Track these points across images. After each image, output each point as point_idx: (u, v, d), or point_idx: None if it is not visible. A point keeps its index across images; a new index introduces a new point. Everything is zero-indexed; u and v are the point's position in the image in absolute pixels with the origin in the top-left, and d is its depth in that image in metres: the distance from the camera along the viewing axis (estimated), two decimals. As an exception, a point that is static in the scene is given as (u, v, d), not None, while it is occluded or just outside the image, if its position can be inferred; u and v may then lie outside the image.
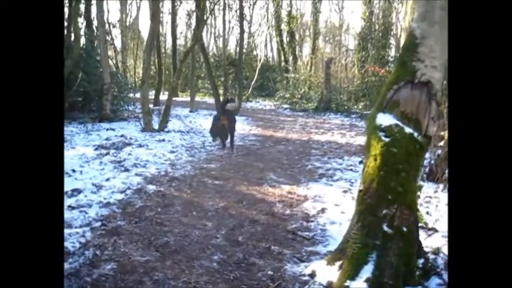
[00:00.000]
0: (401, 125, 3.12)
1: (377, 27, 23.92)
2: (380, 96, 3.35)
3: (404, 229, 3.01)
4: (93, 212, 4.71)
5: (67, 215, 4.54)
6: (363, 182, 3.19)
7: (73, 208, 4.79)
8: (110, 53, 27.62)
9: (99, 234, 4.12)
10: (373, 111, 3.33)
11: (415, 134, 3.11)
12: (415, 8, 3.31)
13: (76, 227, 4.25)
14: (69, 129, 11.12)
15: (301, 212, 5.02)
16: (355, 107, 20.25)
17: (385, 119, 3.17)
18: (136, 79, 29.65)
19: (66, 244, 3.78)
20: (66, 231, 4.09)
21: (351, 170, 7.39)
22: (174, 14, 24.97)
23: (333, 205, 5.25)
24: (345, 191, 5.88)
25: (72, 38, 11.16)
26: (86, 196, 5.24)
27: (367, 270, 2.95)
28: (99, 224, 4.37)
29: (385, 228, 2.99)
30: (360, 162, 7.59)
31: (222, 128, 9.18)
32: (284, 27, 29.52)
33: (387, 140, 3.07)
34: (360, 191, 3.18)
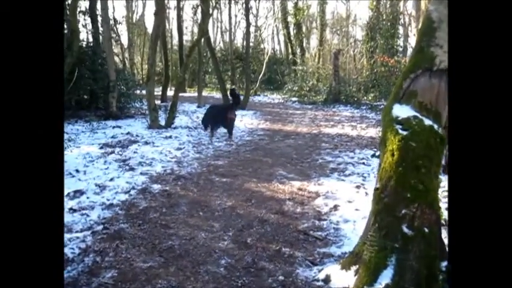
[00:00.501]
0: (420, 116, 2.87)
1: (385, 16, 23.51)
2: (396, 86, 3.11)
3: (426, 230, 2.77)
4: (95, 214, 4.52)
5: (68, 218, 4.35)
6: (379, 180, 2.94)
7: (74, 211, 4.60)
8: (117, 50, 27.56)
9: (100, 238, 3.92)
10: (389, 102, 3.09)
11: (435, 126, 2.86)
12: (432, -11, 3.06)
13: (77, 231, 4.06)
14: (75, 128, 10.99)
15: (312, 210, 4.78)
16: (365, 98, 19.93)
17: (402, 111, 2.92)
18: (144, 76, 29.49)
19: (65, 250, 3.60)
20: (66, 236, 3.90)
21: (363, 163, 7.13)
22: (179, 9, 24.73)
23: (345, 202, 5.01)
24: (357, 186, 5.64)
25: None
26: (88, 198, 5.04)
27: (386, 275, 2.72)
28: (101, 227, 4.17)
29: (405, 229, 2.75)
30: (373, 155, 7.34)
31: (231, 121, 9.85)
32: (291, 19, 29.20)
33: (405, 133, 2.82)
34: (377, 189, 2.94)
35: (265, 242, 3.90)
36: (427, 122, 2.86)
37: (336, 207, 4.82)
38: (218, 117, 9.91)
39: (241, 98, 11.46)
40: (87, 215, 4.49)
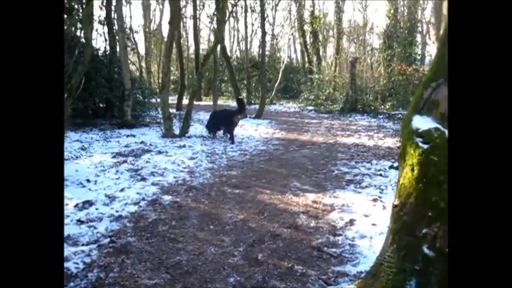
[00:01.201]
0: (442, 128, 2.67)
1: (402, 24, 23.25)
2: (415, 96, 2.91)
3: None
4: (102, 226, 4.40)
5: (75, 230, 4.25)
6: (398, 196, 2.75)
7: (82, 222, 4.49)
8: (134, 58, 27.71)
9: (106, 252, 3.78)
10: (408, 113, 2.90)
11: (459, 139, 2.66)
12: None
13: (83, 245, 3.93)
14: (89, 136, 10.95)
15: (327, 224, 4.59)
16: (382, 107, 19.66)
17: (422, 122, 2.72)
18: (160, 84, 29.58)
19: (69, 265, 3.48)
20: (71, 249, 3.79)
21: (380, 175, 6.91)
22: (195, 17, 24.77)
23: (362, 216, 4.81)
24: (374, 199, 5.43)
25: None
26: (97, 209, 4.93)
27: (405, 300, 2.52)
28: (107, 240, 4.04)
29: (426, 250, 2.54)
30: (390, 167, 7.12)
31: (235, 125, 10.95)
32: (307, 28, 29.05)
33: (426, 146, 2.63)
34: (395, 206, 2.74)
35: (277, 258, 3.72)
36: (450, 134, 2.67)
37: (351, 222, 4.62)
38: (219, 122, 11.21)
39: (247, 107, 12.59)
40: (95, 227, 4.37)
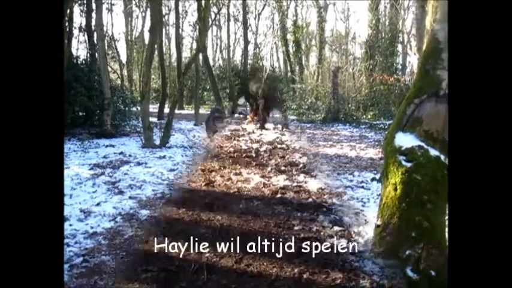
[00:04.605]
0: (425, 146, 2.60)
1: (384, 34, 23.48)
2: (398, 112, 2.84)
3: (433, 273, 2.48)
4: (76, 244, 4.22)
5: (46, 249, 4.05)
6: (380, 216, 2.66)
7: (54, 240, 4.30)
8: (116, 66, 27.43)
9: (78, 273, 3.62)
10: (391, 129, 2.82)
11: (442, 158, 2.59)
12: (437, 7, 2.80)
13: (54, 264, 3.75)
14: (66, 147, 10.69)
15: (308, 240, 4.48)
16: (364, 116, 19.75)
17: (405, 140, 2.65)
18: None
19: None
20: (42, 270, 3.60)
21: (363, 187, 6.85)
22: (177, 26, 24.64)
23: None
24: (356, 213, 5.34)
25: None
26: (71, 225, 4.75)
27: (389, 325, 2.42)
28: (80, 259, 3.87)
29: (409, 272, 2.46)
30: (373, 179, 7.00)
31: None
32: (290, 37, 29.16)
33: (409, 165, 2.55)
34: (378, 226, 2.66)
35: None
36: (433, 152, 2.59)
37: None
38: None
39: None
40: (67, 245, 4.19)
